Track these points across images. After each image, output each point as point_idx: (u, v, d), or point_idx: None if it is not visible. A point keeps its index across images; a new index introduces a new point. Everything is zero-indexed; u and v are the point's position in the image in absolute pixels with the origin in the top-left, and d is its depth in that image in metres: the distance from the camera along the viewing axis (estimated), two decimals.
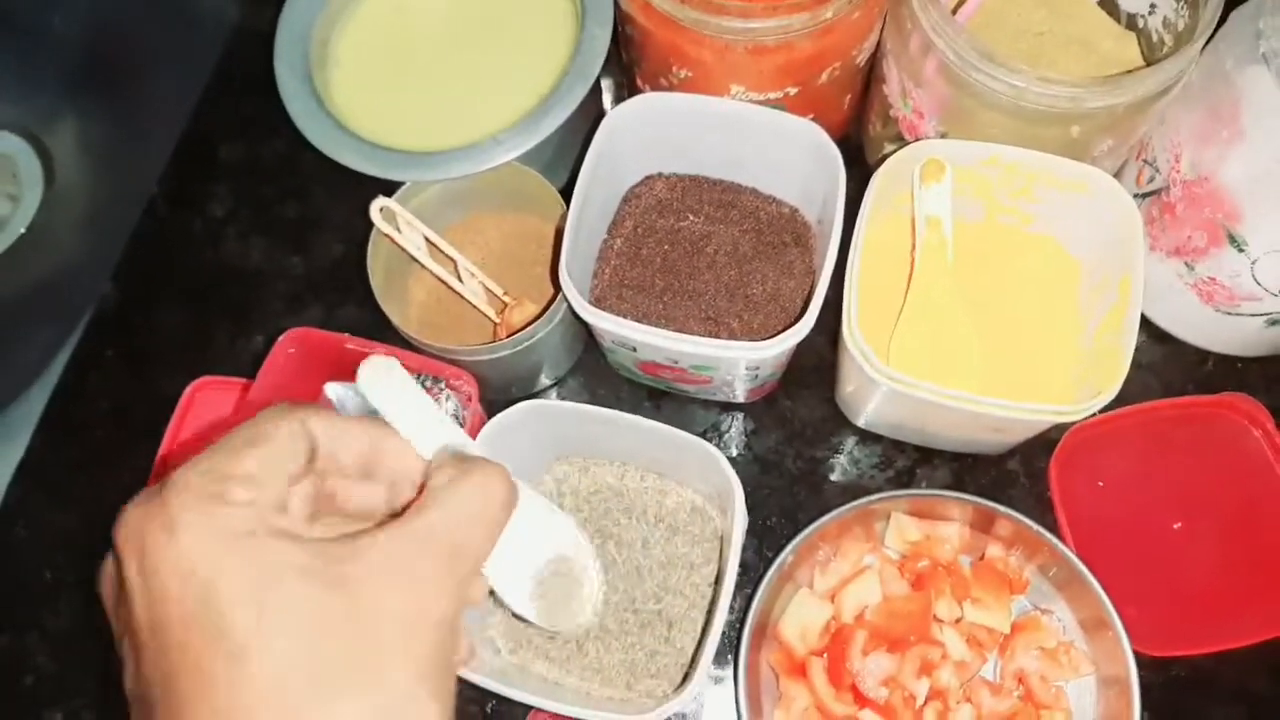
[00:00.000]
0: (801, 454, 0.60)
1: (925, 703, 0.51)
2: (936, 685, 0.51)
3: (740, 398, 0.60)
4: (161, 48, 0.78)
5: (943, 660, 0.52)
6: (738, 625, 0.52)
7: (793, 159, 0.54)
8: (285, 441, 0.29)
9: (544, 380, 0.62)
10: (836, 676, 0.52)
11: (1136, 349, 0.60)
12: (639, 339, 0.50)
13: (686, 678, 0.46)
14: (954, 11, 0.55)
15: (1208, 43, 0.50)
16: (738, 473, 0.59)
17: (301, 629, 0.25)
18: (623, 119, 0.53)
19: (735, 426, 0.61)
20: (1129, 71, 0.49)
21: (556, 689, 0.51)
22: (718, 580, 0.53)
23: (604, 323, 0.49)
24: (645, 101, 0.53)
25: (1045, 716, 0.52)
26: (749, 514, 0.59)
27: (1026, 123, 0.51)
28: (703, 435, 0.61)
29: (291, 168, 0.70)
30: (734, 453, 0.61)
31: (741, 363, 0.51)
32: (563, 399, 0.63)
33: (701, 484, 0.54)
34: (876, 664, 0.51)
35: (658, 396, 0.62)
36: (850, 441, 0.60)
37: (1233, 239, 0.51)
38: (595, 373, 0.63)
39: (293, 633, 0.25)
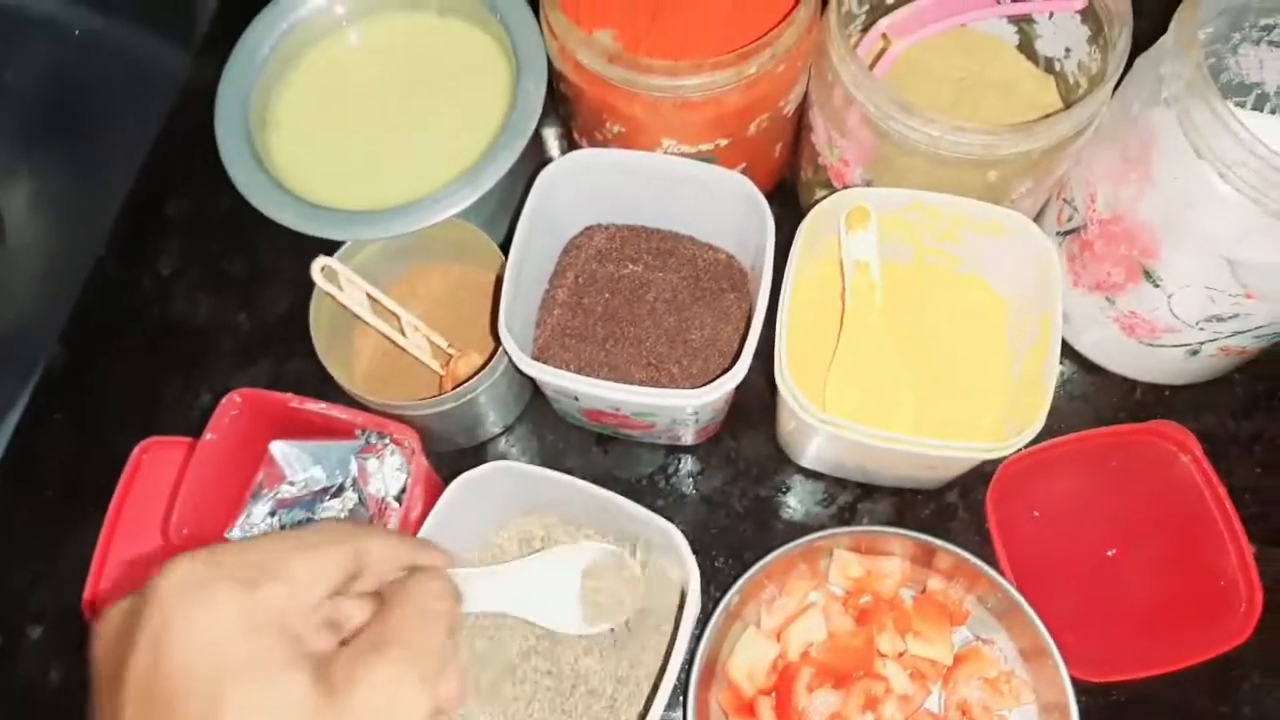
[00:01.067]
0: (747, 493, 0.61)
1: None
2: (881, 719, 0.52)
3: (687, 440, 0.61)
4: (111, 105, 0.79)
5: (887, 694, 0.53)
6: (686, 666, 0.53)
7: (725, 209, 0.56)
8: (333, 560, 0.32)
9: (492, 429, 0.63)
10: (784, 715, 0.53)
11: (1067, 380, 0.63)
12: (579, 389, 0.51)
13: None
14: (872, 65, 0.57)
15: (1117, 87, 0.53)
16: (685, 514, 0.61)
17: None
18: (556, 175, 0.54)
19: (682, 468, 0.62)
20: (1042, 117, 0.51)
21: None
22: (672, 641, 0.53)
23: (543, 375, 0.51)
24: (577, 158, 0.55)
25: None
26: (697, 553, 0.60)
27: (946, 169, 0.53)
28: (650, 477, 0.62)
29: (238, 224, 0.70)
30: (682, 493, 0.62)
31: (681, 409, 0.52)
32: (510, 447, 0.64)
33: (661, 554, 0.54)
34: (822, 701, 0.52)
35: (605, 441, 0.63)
36: (794, 479, 0.62)
37: (1148, 274, 0.53)
38: (543, 420, 0.64)
39: None
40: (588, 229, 0.61)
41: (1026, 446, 0.51)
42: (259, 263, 0.70)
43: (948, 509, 0.60)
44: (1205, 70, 0.46)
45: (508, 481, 0.51)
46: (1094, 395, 0.62)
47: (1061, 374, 0.63)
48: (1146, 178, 0.50)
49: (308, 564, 0.31)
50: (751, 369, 0.50)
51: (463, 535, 0.51)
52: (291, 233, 0.57)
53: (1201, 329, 0.54)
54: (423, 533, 0.49)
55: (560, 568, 0.48)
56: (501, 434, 0.64)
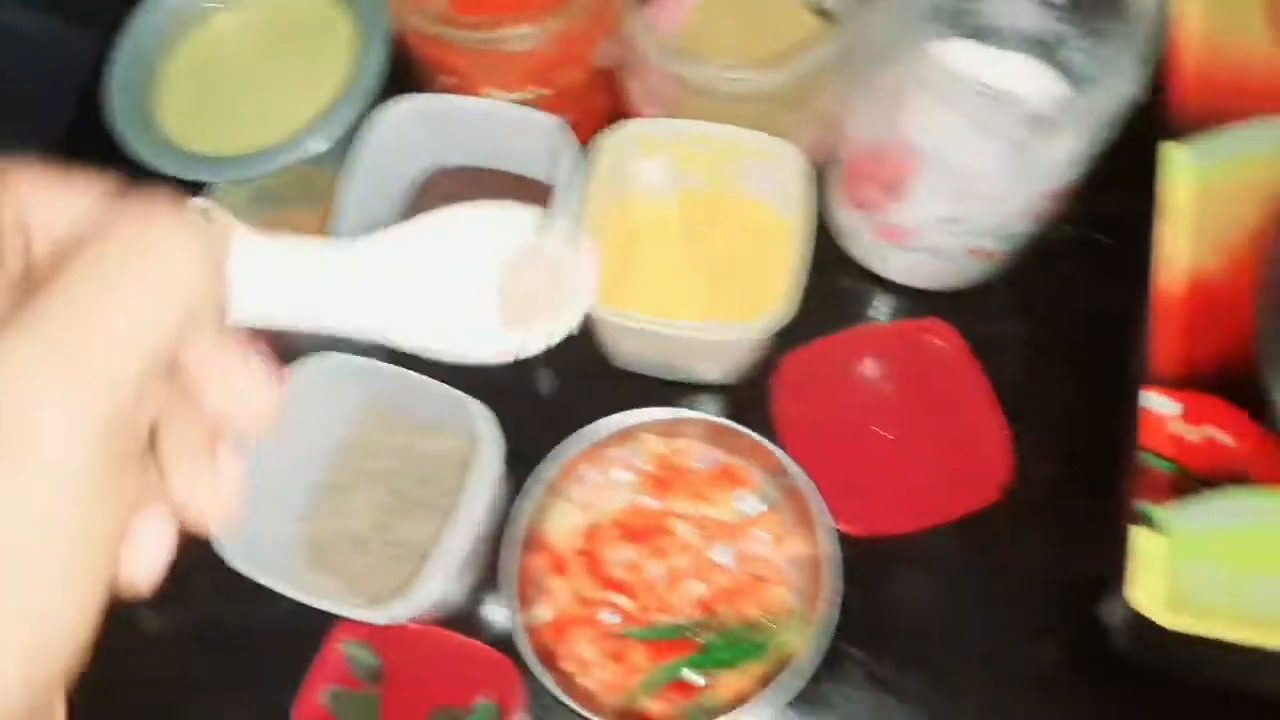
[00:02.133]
0: (567, 391, 0.71)
1: (666, 584, 0.61)
2: (671, 567, 0.61)
3: None
4: (11, 104, 0.87)
5: (677, 547, 0.62)
6: (496, 536, 0.62)
7: (544, 148, 0.65)
8: None
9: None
10: (593, 569, 0.62)
11: (849, 290, 0.72)
12: None
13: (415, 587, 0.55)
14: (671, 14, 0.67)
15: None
16: (508, 413, 0.69)
17: None
18: (386, 121, 0.63)
19: (508, 372, 0.71)
20: (787, 57, 0.61)
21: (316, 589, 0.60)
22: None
23: None
24: (403, 105, 0.64)
25: (767, 589, 0.62)
26: (519, 450, 0.69)
27: (725, 104, 0.62)
28: (480, 384, 0.71)
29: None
30: (509, 392, 0.70)
31: None
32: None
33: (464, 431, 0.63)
34: (621, 554, 0.61)
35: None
36: (610, 378, 0.71)
37: (897, 190, 0.63)
38: None
39: None
40: (434, 172, 0.70)
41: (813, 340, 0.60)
42: None
43: (746, 399, 0.69)
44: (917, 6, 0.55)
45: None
46: (870, 300, 0.72)
47: (843, 284, 0.73)
48: (893, 108, 0.59)
49: None
50: None
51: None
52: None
53: (942, 229, 0.64)
54: None
55: (460, 251, 0.30)
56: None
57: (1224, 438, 0.56)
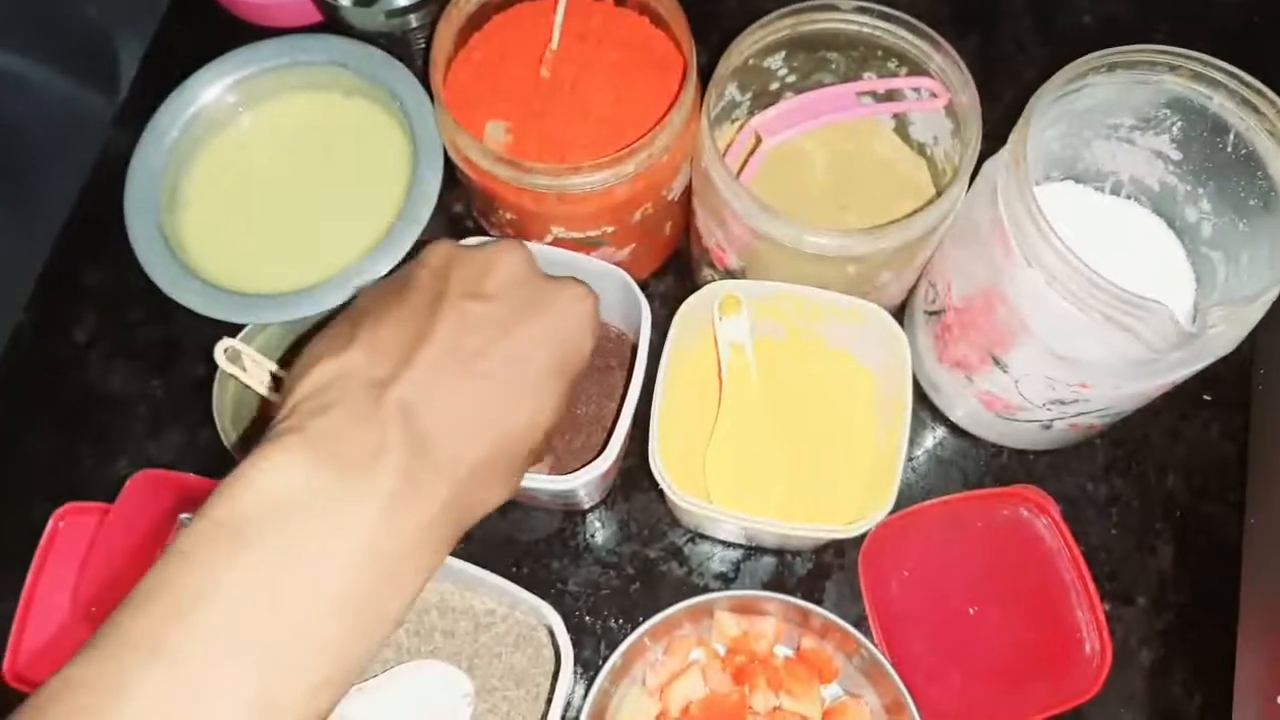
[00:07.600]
0: (638, 555, 0.65)
1: None
2: None
3: (583, 506, 0.65)
4: (26, 176, 0.80)
5: None
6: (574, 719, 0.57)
7: (609, 295, 0.59)
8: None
9: None
10: None
11: (939, 443, 0.67)
12: None
13: None
14: (750, 156, 0.61)
15: (972, 182, 0.56)
16: (580, 575, 0.65)
17: None
18: None
19: (579, 531, 0.66)
20: (891, 222, 0.55)
21: None
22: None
23: None
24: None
25: None
26: (590, 613, 0.64)
27: (810, 263, 0.56)
28: (547, 540, 0.66)
29: (153, 292, 0.72)
30: (579, 555, 0.65)
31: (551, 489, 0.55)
32: None
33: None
34: None
35: (507, 505, 0.66)
36: (682, 541, 0.65)
37: (996, 361, 0.57)
38: None
39: None
40: None
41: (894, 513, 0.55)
42: (174, 331, 0.72)
43: (825, 568, 0.64)
44: (1030, 190, 0.49)
45: None
46: (962, 460, 0.67)
47: (934, 438, 0.68)
48: (989, 278, 0.54)
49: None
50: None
51: None
52: None
53: (1049, 409, 0.58)
54: None
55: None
56: None
57: None
